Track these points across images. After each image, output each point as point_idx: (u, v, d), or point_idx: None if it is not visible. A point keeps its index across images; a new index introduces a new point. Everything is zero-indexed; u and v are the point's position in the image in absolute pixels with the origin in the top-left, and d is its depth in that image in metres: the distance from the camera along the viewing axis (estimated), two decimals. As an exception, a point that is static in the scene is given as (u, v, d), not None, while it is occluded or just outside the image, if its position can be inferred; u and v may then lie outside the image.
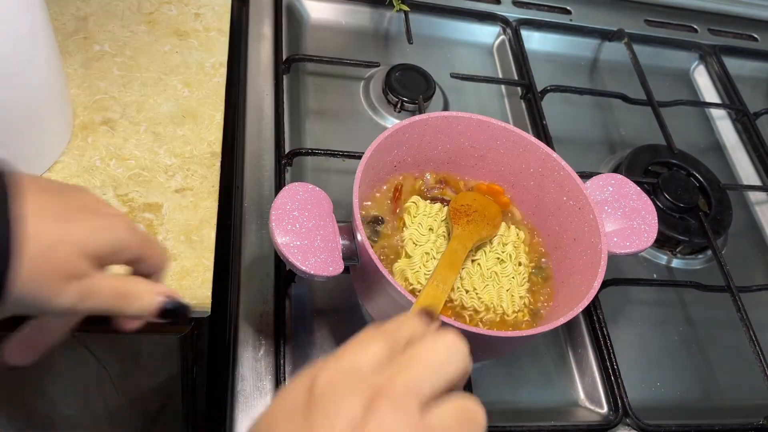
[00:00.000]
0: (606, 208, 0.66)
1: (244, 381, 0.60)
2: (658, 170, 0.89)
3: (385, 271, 0.54)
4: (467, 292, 0.63)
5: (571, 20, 1.04)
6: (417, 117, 0.65)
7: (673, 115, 0.94)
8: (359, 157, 0.61)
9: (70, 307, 0.40)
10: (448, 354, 0.34)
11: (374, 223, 0.65)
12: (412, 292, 0.61)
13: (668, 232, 0.82)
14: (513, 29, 0.97)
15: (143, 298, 0.43)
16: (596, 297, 0.69)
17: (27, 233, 0.37)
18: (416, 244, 0.64)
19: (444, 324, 0.52)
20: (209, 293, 0.60)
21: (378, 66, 0.86)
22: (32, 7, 0.54)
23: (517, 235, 0.68)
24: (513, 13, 1.01)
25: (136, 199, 0.64)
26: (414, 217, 0.66)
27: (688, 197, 0.85)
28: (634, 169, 0.87)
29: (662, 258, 0.84)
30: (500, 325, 0.63)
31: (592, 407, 0.69)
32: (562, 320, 0.57)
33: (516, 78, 0.94)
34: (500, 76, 0.97)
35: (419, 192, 0.69)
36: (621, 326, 0.76)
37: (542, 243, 0.69)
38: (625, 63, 0.98)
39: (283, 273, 0.66)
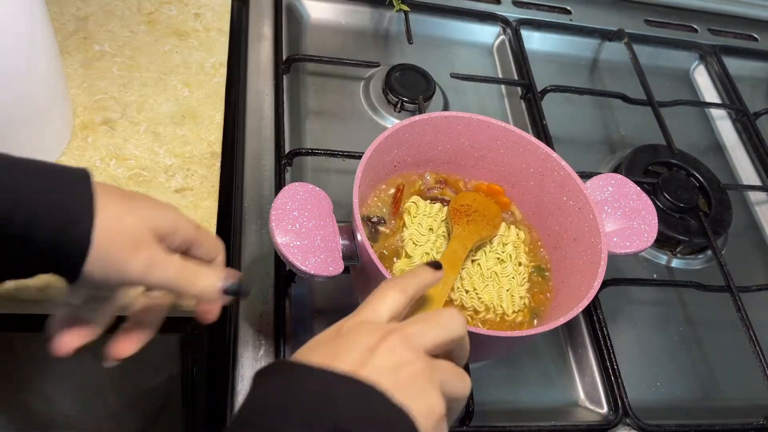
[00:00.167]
0: (606, 208, 0.66)
1: (244, 381, 0.60)
2: (658, 170, 0.89)
3: (385, 271, 0.54)
4: (467, 292, 0.63)
5: (571, 20, 1.04)
6: (417, 117, 0.65)
7: (673, 115, 0.94)
8: (359, 157, 0.61)
9: (139, 274, 0.43)
10: (451, 319, 0.42)
11: (374, 223, 0.65)
12: (412, 292, 0.60)
13: (668, 232, 0.82)
14: (513, 29, 0.97)
15: (206, 278, 0.47)
16: (596, 297, 0.69)
17: (96, 205, 0.42)
18: (416, 244, 0.64)
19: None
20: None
21: (378, 66, 0.86)
22: (32, 7, 0.54)
23: (517, 235, 0.68)
24: (513, 13, 1.01)
25: (136, 199, 0.64)
26: (414, 217, 0.66)
27: (688, 197, 0.85)
28: (634, 169, 0.87)
29: (662, 258, 0.84)
30: (500, 325, 0.63)
31: (592, 407, 0.69)
32: (562, 320, 0.57)
33: (516, 78, 0.94)
34: (500, 76, 0.97)
35: (419, 192, 0.69)
36: (621, 326, 0.76)
37: (542, 243, 0.69)
38: (625, 63, 0.98)
39: (283, 273, 0.66)
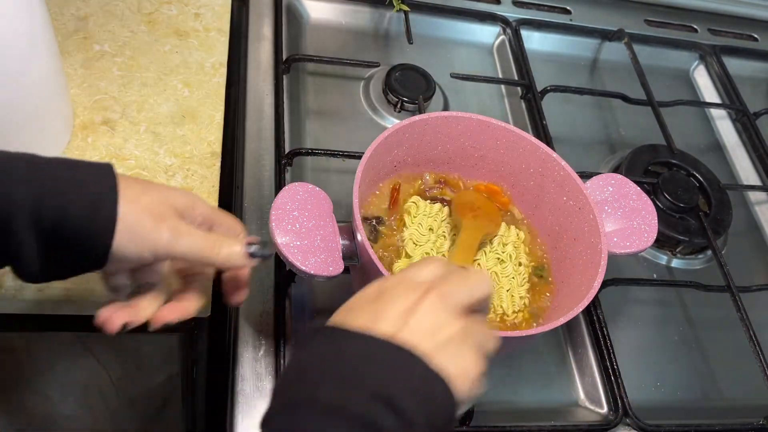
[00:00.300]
0: (606, 208, 0.66)
1: (244, 381, 0.60)
2: (658, 170, 0.89)
3: (385, 272, 0.54)
4: (467, 292, 0.63)
5: (571, 20, 1.04)
6: (417, 117, 0.65)
7: (673, 115, 0.94)
8: (359, 157, 0.61)
9: (166, 243, 0.46)
10: (480, 278, 0.45)
11: (374, 223, 0.65)
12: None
13: (668, 232, 0.82)
14: (513, 29, 0.97)
15: (230, 245, 0.49)
16: (596, 297, 0.69)
17: (119, 186, 0.45)
18: (416, 244, 0.64)
19: None
20: (209, 293, 0.60)
21: (378, 66, 0.86)
22: (32, 7, 0.54)
23: (517, 235, 0.68)
24: (513, 13, 1.01)
25: (136, 199, 0.64)
26: (414, 217, 0.66)
27: (688, 197, 0.85)
28: (634, 169, 0.87)
29: (662, 258, 0.84)
30: (500, 325, 0.63)
31: (592, 407, 0.69)
32: (562, 320, 0.56)
33: (516, 78, 0.94)
34: (500, 76, 0.97)
35: (419, 192, 0.69)
36: (621, 326, 0.76)
37: (542, 243, 0.69)
38: (625, 63, 0.98)
39: (283, 273, 0.66)
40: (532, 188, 0.69)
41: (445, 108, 0.88)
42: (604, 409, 0.69)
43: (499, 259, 0.66)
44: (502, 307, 0.63)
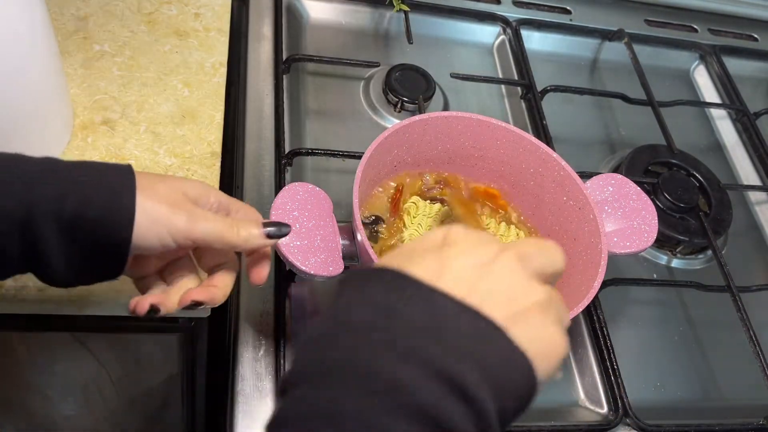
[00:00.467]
0: (606, 208, 0.66)
1: (244, 381, 0.60)
2: (658, 170, 0.89)
3: (385, 271, 0.54)
4: (467, 292, 0.63)
5: (571, 20, 1.04)
6: (417, 117, 0.65)
7: (673, 115, 0.94)
8: (359, 157, 0.61)
9: (185, 226, 0.46)
10: (559, 252, 0.38)
11: (374, 223, 0.65)
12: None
13: (668, 232, 0.82)
14: (513, 29, 0.97)
15: (247, 226, 0.49)
16: (596, 297, 0.69)
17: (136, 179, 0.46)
18: (416, 244, 0.64)
19: None
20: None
21: (378, 66, 0.86)
22: (32, 7, 0.54)
23: (517, 235, 0.68)
24: (513, 13, 1.00)
25: (136, 199, 0.64)
26: (414, 217, 0.66)
27: (688, 197, 0.85)
28: (634, 169, 0.87)
29: (662, 258, 0.84)
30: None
31: (592, 407, 0.69)
32: (562, 320, 0.56)
33: (516, 78, 0.94)
34: (500, 76, 0.97)
35: (419, 192, 0.69)
36: (621, 326, 0.76)
37: (542, 243, 0.69)
38: (625, 63, 0.98)
39: (283, 273, 0.66)
40: (532, 188, 0.69)
41: (445, 108, 0.88)
42: (604, 409, 0.69)
43: (499, 259, 0.66)
44: (502, 307, 0.63)
